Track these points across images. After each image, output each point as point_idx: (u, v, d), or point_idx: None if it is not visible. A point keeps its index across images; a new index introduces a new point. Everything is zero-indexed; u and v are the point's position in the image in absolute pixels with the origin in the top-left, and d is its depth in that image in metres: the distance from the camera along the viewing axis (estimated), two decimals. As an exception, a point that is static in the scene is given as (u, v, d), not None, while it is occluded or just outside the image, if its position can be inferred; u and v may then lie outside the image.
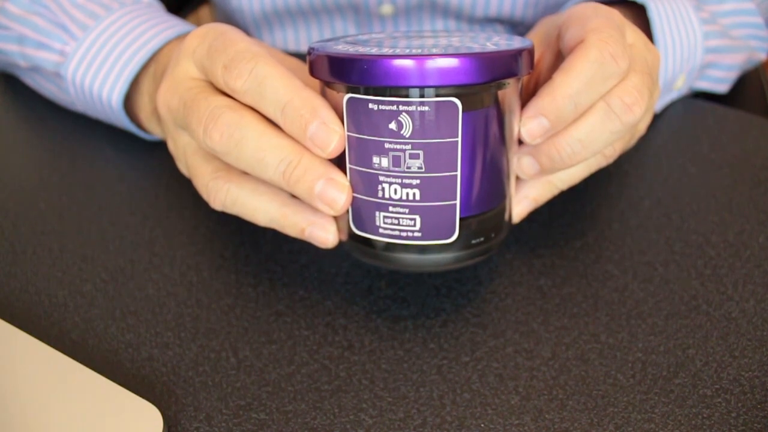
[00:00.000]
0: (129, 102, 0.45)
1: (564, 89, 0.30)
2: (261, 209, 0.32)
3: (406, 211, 0.29)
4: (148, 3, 0.46)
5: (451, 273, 0.37)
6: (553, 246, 0.39)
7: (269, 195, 0.32)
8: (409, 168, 0.29)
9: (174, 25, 0.44)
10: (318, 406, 0.31)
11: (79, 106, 0.46)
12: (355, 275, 0.37)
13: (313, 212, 0.32)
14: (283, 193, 0.33)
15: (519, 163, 0.33)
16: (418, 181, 0.29)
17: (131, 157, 0.45)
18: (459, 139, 0.28)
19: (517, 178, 0.35)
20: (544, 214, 0.41)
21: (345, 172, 0.30)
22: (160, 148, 0.47)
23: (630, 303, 0.36)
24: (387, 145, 0.28)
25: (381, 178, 0.29)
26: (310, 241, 0.33)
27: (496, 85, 0.29)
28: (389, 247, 0.31)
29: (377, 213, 0.30)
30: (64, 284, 0.37)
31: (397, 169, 0.29)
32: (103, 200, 0.42)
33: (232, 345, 0.34)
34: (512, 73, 0.29)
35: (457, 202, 0.30)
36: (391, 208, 0.30)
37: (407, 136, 0.28)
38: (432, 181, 0.29)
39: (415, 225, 0.30)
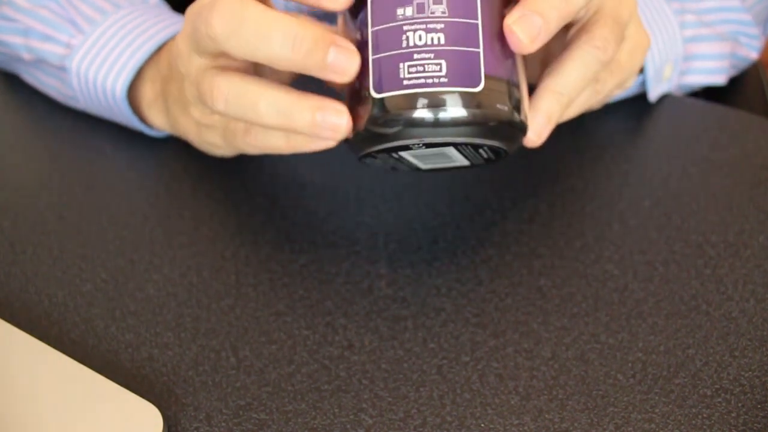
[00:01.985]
0: (132, 92, 0.45)
1: None
2: (266, 97, 0.31)
3: (432, 56, 0.30)
4: (156, 3, 0.46)
5: (452, 273, 0.37)
6: (553, 246, 0.39)
7: (274, 84, 0.32)
8: (433, 13, 0.30)
9: (182, 20, 0.44)
10: (318, 406, 0.31)
11: (82, 100, 0.46)
12: (355, 275, 0.37)
13: (320, 97, 0.31)
14: (286, 85, 0.32)
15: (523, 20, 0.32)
16: (442, 26, 0.30)
17: (131, 156, 0.45)
18: None
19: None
20: (544, 215, 0.41)
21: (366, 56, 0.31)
22: (160, 147, 0.47)
23: (630, 303, 0.36)
24: None
25: (405, 28, 0.30)
26: (320, 134, 0.31)
27: None
28: (413, 101, 0.30)
29: (401, 64, 0.30)
30: (64, 284, 0.37)
31: (421, 15, 0.30)
32: (103, 200, 0.42)
33: (232, 345, 0.34)
34: None
35: (480, 50, 0.30)
36: (416, 56, 0.30)
37: None
38: (455, 25, 0.30)
39: (441, 70, 0.30)
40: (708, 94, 0.61)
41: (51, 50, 0.45)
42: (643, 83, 0.46)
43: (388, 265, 0.38)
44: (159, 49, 0.44)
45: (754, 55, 0.51)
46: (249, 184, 0.42)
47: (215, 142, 0.38)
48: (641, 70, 0.45)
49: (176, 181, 0.43)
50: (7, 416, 0.30)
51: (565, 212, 0.41)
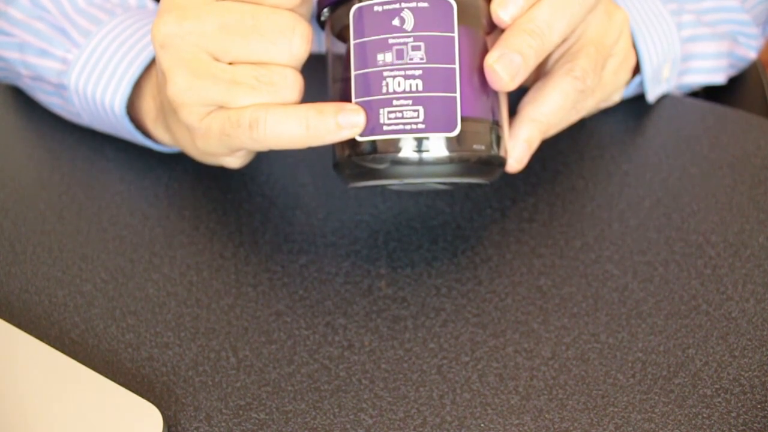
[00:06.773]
0: (133, 109, 0.44)
1: None
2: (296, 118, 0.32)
3: (410, 102, 0.31)
4: (154, 9, 0.45)
5: (451, 273, 0.37)
6: (553, 246, 0.39)
7: (295, 107, 0.33)
8: (411, 59, 0.31)
9: None
10: (318, 406, 0.31)
11: (85, 117, 0.45)
12: (355, 275, 0.37)
13: (334, 102, 0.33)
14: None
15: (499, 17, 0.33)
16: (420, 72, 0.31)
17: (131, 156, 0.45)
18: (455, 35, 0.31)
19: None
20: (544, 214, 0.41)
21: (350, 96, 0.32)
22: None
23: (630, 303, 0.36)
24: (391, 41, 0.31)
25: (385, 74, 0.31)
26: (341, 135, 0.32)
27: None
28: (393, 145, 0.31)
29: (381, 110, 0.31)
30: (64, 284, 0.37)
31: (400, 61, 0.31)
32: (103, 200, 0.42)
33: (232, 345, 0.34)
34: None
35: (458, 95, 0.31)
36: (395, 102, 0.31)
37: (409, 29, 0.31)
38: (433, 72, 0.31)
39: (418, 116, 0.31)
40: (708, 94, 0.61)
41: (48, 66, 0.44)
42: (642, 84, 0.46)
43: (388, 264, 0.38)
44: (154, 60, 0.43)
45: (752, 54, 0.51)
46: (248, 183, 0.42)
47: (213, 150, 0.36)
48: (637, 71, 0.45)
49: (176, 181, 0.43)
50: (8, 416, 0.30)
51: (565, 212, 0.41)
